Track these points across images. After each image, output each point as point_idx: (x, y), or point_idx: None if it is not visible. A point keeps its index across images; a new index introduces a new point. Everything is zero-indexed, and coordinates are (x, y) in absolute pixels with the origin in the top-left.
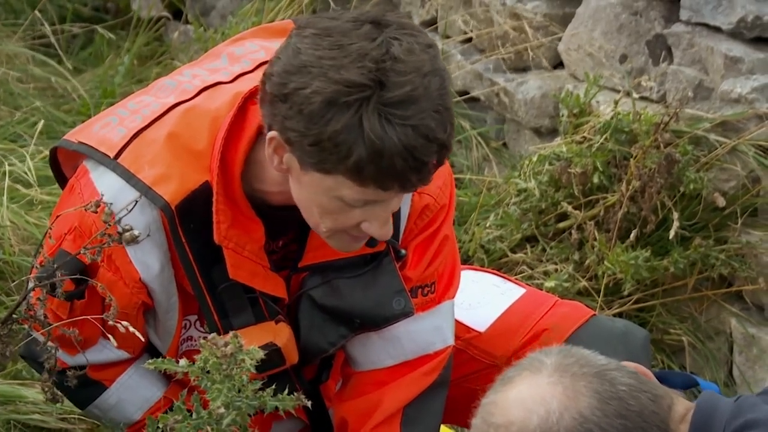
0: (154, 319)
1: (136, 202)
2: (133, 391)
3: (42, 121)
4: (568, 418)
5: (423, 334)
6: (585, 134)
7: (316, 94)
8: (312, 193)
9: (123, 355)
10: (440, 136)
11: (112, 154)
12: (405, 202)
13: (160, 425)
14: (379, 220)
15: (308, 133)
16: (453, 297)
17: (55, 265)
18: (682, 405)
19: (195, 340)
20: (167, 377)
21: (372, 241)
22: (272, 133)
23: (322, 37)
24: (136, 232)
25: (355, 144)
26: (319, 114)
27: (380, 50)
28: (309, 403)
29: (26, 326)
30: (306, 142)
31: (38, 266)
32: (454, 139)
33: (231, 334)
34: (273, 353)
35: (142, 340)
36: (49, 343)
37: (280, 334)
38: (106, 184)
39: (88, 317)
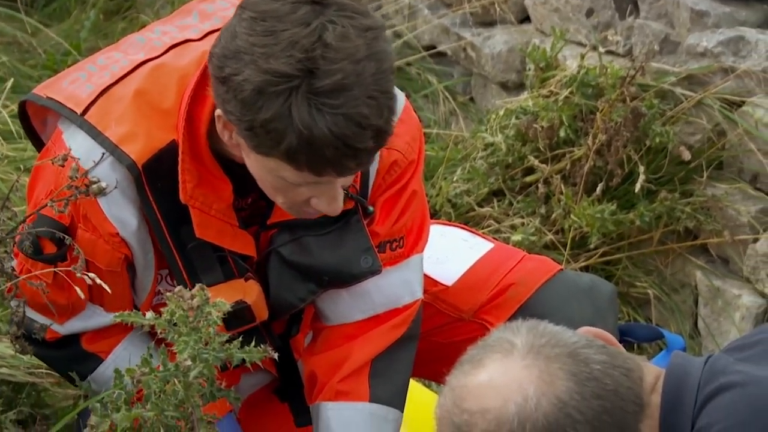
0: (133, 276)
1: (104, 154)
2: (130, 362)
3: (11, 79)
4: (546, 404)
5: (392, 288)
6: (551, 88)
7: (247, 82)
8: (259, 171)
9: (114, 319)
10: (376, 122)
11: (79, 111)
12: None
13: (127, 378)
14: (326, 197)
15: (243, 118)
16: (422, 251)
17: (36, 230)
18: (651, 374)
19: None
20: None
21: None
22: (218, 112)
23: (257, 22)
24: (103, 184)
25: (286, 132)
26: (251, 101)
27: (312, 38)
28: (276, 356)
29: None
30: (242, 127)
31: (5, 220)
32: (394, 120)
33: (197, 287)
34: (243, 311)
35: (109, 291)
36: (16, 298)
37: (249, 291)
38: (78, 143)
39: (75, 271)
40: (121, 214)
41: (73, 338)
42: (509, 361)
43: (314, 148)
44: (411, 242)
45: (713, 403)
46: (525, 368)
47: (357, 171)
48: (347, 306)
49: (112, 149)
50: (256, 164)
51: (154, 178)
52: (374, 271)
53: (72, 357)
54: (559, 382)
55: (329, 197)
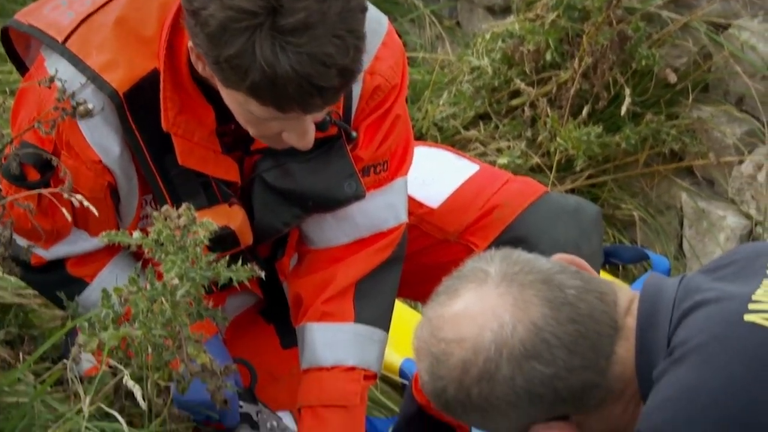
0: (117, 202)
1: (87, 80)
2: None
3: None
4: (522, 330)
5: (376, 211)
6: (538, 12)
7: (212, 17)
8: (230, 104)
9: (99, 243)
10: (341, 61)
11: (60, 39)
12: (356, 83)
13: (115, 297)
14: (296, 132)
15: (209, 53)
16: (406, 174)
17: (19, 155)
18: (625, 296)
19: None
20: None
21: (323, 125)
22: (190, 44)
23: None
24: (90, 106)
25: (250, 69)
26: (216, 37)
27: None
28: (263, 274)
29: None
30: (209, 61)
31: None
32: (361, 59)
33: (184, 206)
34: (227, 236)
35: (95, 213)
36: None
37: (233, 216)
38: (60, 71)
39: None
40: (103, 141)
41: (59, 263)
42: (484, 290)
43: (278, 87)
44: (395, 166)
45: (688, 320)
46: (499, 296)
47: (325, 107)
48: (332, 230)
49: (94, 77)
50: (227, 97)
51: (136, 107)
52: (357, 197)
53: (57, 281)
54: (534, 308)
55: (299, 132)
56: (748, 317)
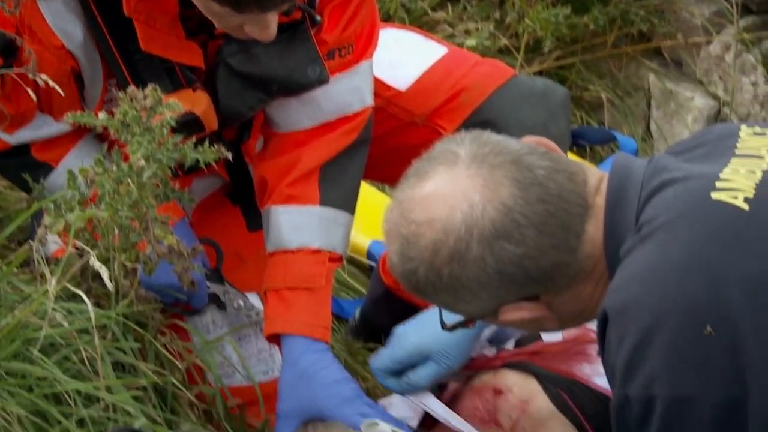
0: (82, 88)
1: None
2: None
3: None
4: (491, 210)
5: (341, 95)
6: None
7: None
8: None
9: (63, 128)
10: None
11: None
12: None
13: (81, 178)
14: (258, 26)
15: None
16: (371, 57)
17: None
18: (594, 176)
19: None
20: None
21: (287, 11)
22: None
23: None
24: None
25: None
26: None
27: None
28: (230, 155)
29: None
30: None
31: None
32: None
33: (150, 87)
34: (192, 121)
35: (62, 94)
36: None
37: (198, 101)
38: None
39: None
40: (65, 26)
41: (23, 148)
42: (454, 171)
43: None
44: (360, 48)
45: (656, 198)
46: (469, 177)
47: (283, 5)
48: (297, 113)
49: None
50: None
51: None
52: (321, 81)
53: (22, 165)
54: (504, 189)
55: (261, 27)
56: (715, 195)
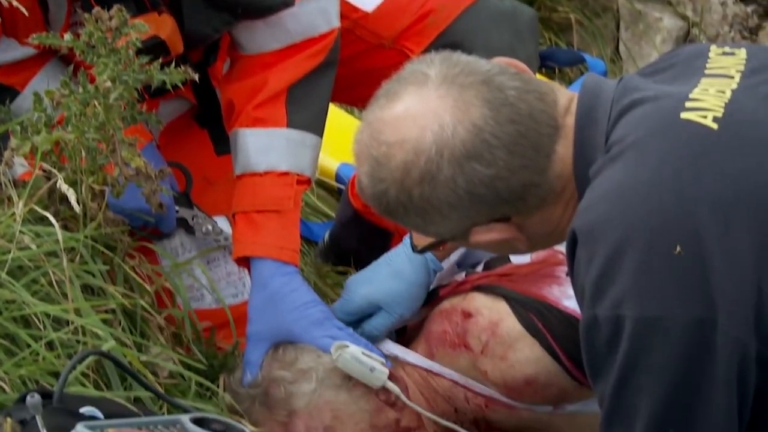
0: (46, 11)
1: None
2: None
3: None
4: (462, 131)
5: (308, 16)
6: None
7: None
8: None
9: (28, 51)
10: None
11: None
12: None
13: (47, 100)
14: None
15: None
16: None
17: None
18: (564, 96)
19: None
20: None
21: None
22: None
23: None
24: None
25: None
26: None
27: None
28: (196, 77)
29: None
30: None
31: None
32: None
33: (115, 7)
34: (157, 45)
35: (25, 13)
36: None
37: (163, 25)
38: None
39: None
40: None
41: None
42: (424, 92)
43: None
44: None
45: (626, 118)
46: (439, 98)
47: None
48: (263, 35)
49: None
50: None
51: None
52: (287, 3)
53: None
54: (474, 109)
55: None
56: (684, 115)
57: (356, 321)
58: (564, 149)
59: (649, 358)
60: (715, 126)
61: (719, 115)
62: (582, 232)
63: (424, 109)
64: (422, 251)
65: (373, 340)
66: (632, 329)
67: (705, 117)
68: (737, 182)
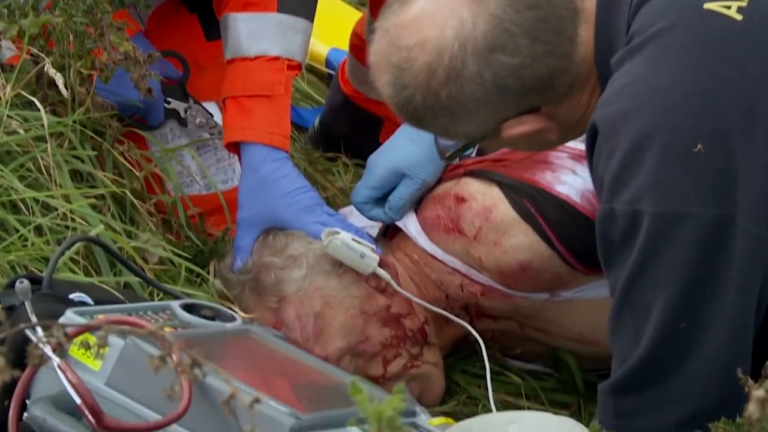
0: None
1: None
2: None
3: None
4: (482, 23)
5: None
6: None
7: None
8: None
9: None
10: None
11: None
12: None
13: None
14: None
15: None
16: None
17: None
18: None
19: None
20: None
21: None
22: None
23: None
24: None
25: None
26: None
27: None
28: None
29: None
30: None
31: None
32: None
33: None
34: None
35: None
36: None
37: None
38: None
39: None
40: None
41: None
42: None
43: None
44: None
45: (648, 6)
46: None
47: None
48: None
49: None
50: None
51: None
52: None
53: None
54: (490, 0)
55: None
56: (707, 5)
57: (383, 196)
58: (586, 33)
59: (665, 253)
60: (739, 17)
61: (744, 4)
62: (603, 125)
63: (439, 6)
64: (451, 158)
65: (401, 212)
66: (650, 225)
67: (729, 7)
68: (763, 77)
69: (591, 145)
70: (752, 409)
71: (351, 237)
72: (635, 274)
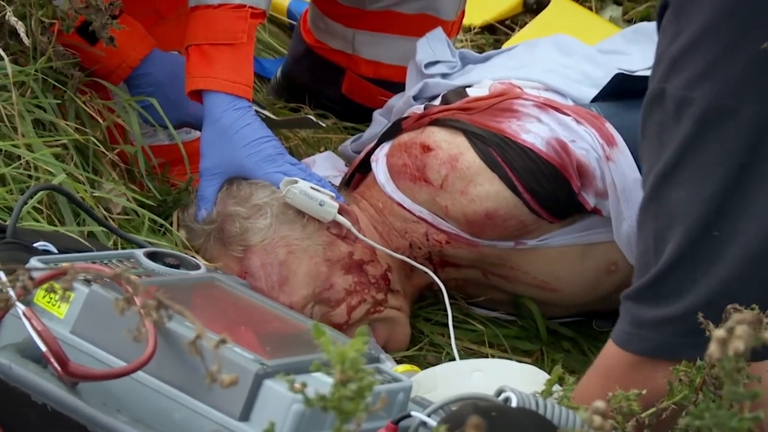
0: None
1: None
2: None
3: None
4: None
5: None
6: None
7: None
8: None
9: None
10: None
11: None
12: None
13: None
14: None
15: None
16: None
17: None
18: None
19: None
20: None
21: None
22: None
23: None
24: None
25: None
26: None
27: None
28: None
29: None
30: None
31: None
32: None
33: None
34: None
35: None
36: None
37: None
38: None
39: None
40: None
41: None
42: None
43: None
44: None
45: None
46: None
47: None
48: None
49: None
50: None
51: None
52: None
53: None
54: None
55: None
56: None
57: None
58: None
59: (711, 145)
60: None
61: None
62: (674, 2)
63: None
64: None
65: None
66: (700, 113)
67: None
68: None
69: (660, 16)
70: (713, 348)
71: (309, 185)
72: (671, 165)
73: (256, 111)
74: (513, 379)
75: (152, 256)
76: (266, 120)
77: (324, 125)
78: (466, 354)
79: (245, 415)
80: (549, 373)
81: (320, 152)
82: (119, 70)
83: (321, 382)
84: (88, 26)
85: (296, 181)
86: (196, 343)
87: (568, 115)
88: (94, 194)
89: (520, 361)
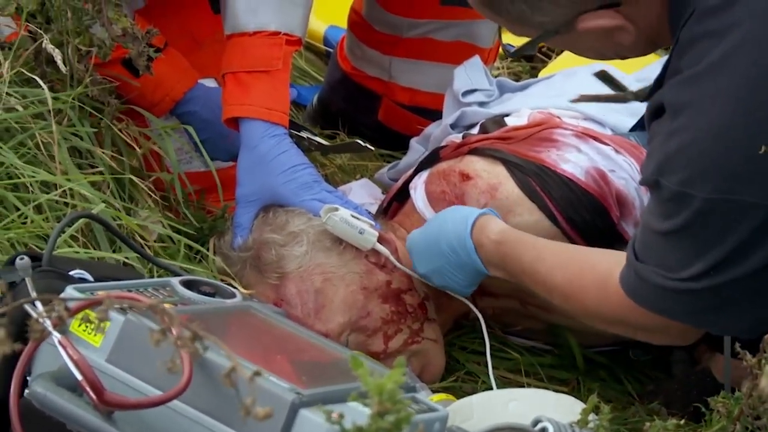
0: None
1: None
2: None
3: None
4: None
5: None
6: None
7: None
8: None
9: None
10: None
11: None
12: None
13: None
14: None
15: None
16: None
17: None
18: None
19: None
20: None
21: None
22: None
23: None
24: None
25: None
26: None
27: None
28: None
29: None
30: None
31: None
32: None
33: None
34: None
35: None
36: None
37: None
38: None
39: None
40: None
41: None
42: None
43: None
44: None
45: None
46: None
47: None
48: None
49: None
50: None
51: None
52: None
53: None
54: None
55: None
56: None
57: None
58: None
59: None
60: None
61: None
62: (671, 106)
63: None
64: (516, 54)
65: None
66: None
67: None
68: None
69: (651, 119)
70: (764, 383)
71: (350, 213)
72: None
73: (307, 137)
74: (549, 408)
75: (188, 285)
76: (318, 146)
77: (373, 149)
78: (502, 383)
79: None
80: (585, 403)
81: (356, 179)
82: (163, 103)
83: (357, 412)
84: None
85: (336, 209)
86: (231, 375)
87: (608, 145)
88: (129, 223)
89: (557, 390)
